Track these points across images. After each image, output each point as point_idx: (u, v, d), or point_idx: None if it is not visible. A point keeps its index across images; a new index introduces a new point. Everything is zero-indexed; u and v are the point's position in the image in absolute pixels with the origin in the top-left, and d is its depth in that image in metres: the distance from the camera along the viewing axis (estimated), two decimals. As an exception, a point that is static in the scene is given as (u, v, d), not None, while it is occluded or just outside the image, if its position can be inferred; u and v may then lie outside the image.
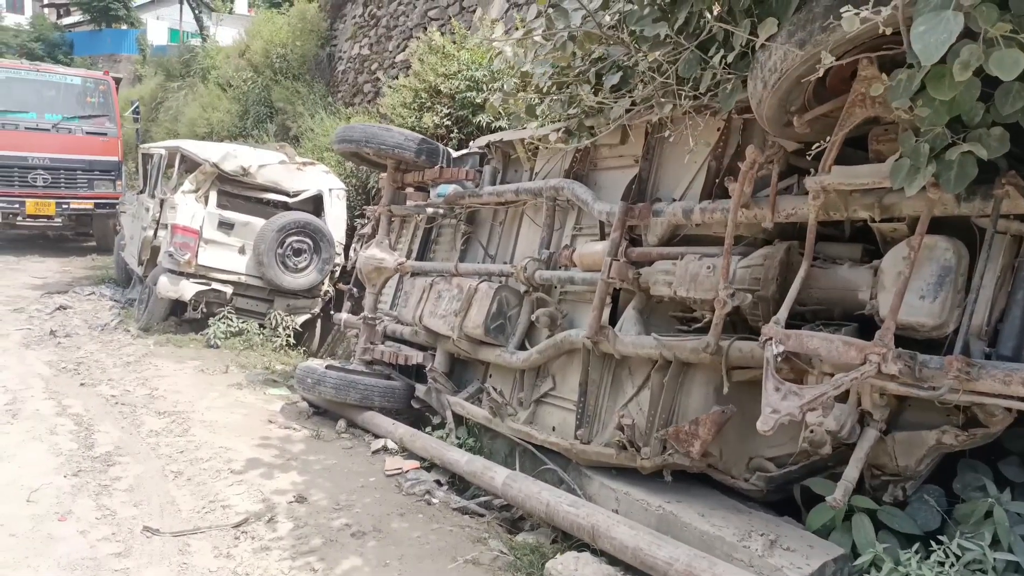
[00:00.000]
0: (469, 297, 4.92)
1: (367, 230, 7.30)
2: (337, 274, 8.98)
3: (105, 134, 14.12)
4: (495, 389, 4.58)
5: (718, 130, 3.80)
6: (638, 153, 4.38)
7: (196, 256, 8.01)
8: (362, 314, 5.99)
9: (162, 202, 8.65)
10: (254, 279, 8.39)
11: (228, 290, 8.25)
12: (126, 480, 4.44)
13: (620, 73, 4.11)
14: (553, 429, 4.41)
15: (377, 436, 5.41)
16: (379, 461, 4.97)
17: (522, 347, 4.76)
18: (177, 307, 8.51)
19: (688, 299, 3.60)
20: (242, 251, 8.35)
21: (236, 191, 8.69)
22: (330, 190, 8.96)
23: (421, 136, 5.72)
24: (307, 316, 8.77)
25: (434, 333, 5.35)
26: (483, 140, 5.68)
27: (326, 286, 8.82)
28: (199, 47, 22.09)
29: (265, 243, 8.09)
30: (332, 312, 9.19)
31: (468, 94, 7.61)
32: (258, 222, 8.37)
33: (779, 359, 2.96)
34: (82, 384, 6.30)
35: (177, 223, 7.97)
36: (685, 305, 3.80)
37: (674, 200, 3.94)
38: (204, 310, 8.25)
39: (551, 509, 3.74)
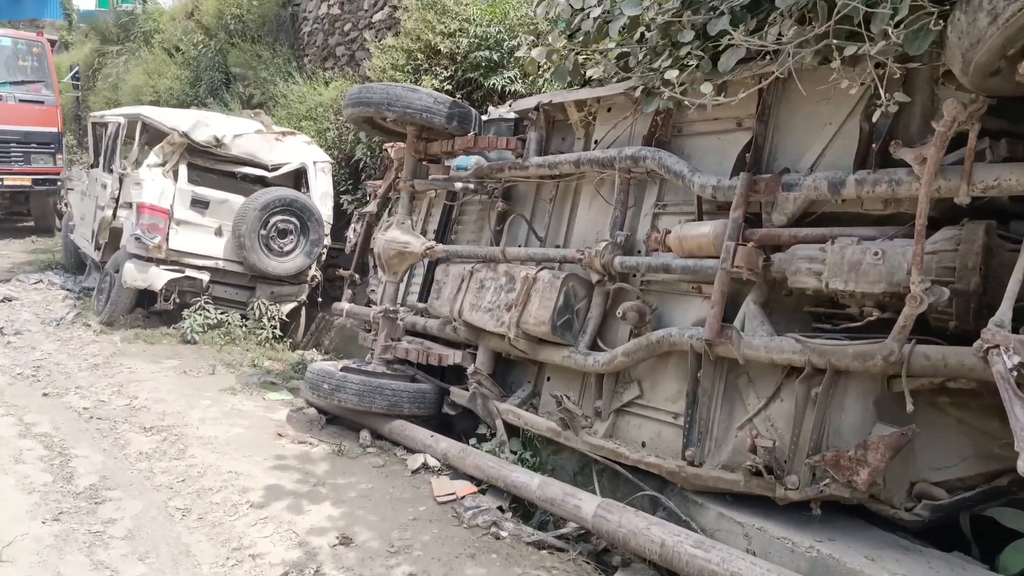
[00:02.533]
0: (527, 288, 4.17)
1: (371, 208, 6.45)
2: (324, 257, 8.08)
3: (42, 102, 12.72)
4: (567, 397, 3.86)
5: (861, 83, 3.10)
6: (741, 114, 3.67)
7: (167, 239, 7.02)
8: (382, 306, 5.17)
9: (122, 178, 7.58)
10: (233, 264, 7.44)
11: (204, 277, 7.29)
12: (122, 523, 3.58)
13: (727, 17, 3.39)
14: (643, 445, 3.73)
15: (411, 450, 4.65)
16: (423, 483, 4.21)
17: (593, 346, 4.05)
18: (144, 297, 7.50)
19: (845, 293, 2.93)
20: (219, 233, 7.38)
21: (207, 165, 7.68)
22: (314, 163, 8.03)
23: (452, 99, 4.89)
24: (293, 304, 7.86)
25: (476, 329, 4.59)
26: (527, 102, 4.88)
27: (313, 271, 7.92)
28: (139, 9, 20.35)
29: (246, 224, 7.14)
30: (319, 300, 8.36)
31: (479, 53, 6.77)
32: (237, 200, 7.40)
33: (1014, 374, 2.32)
34: (45, 394, 5.33)
35: (143, 202, 6.95)
36: (824, 298, 3.14)
37: (810, 171, 3.25)
38: (177, 300, 7.28)
39: (668, 551, 3.06)
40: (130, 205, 7.21)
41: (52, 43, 13.78)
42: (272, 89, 11.08)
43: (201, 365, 6.32)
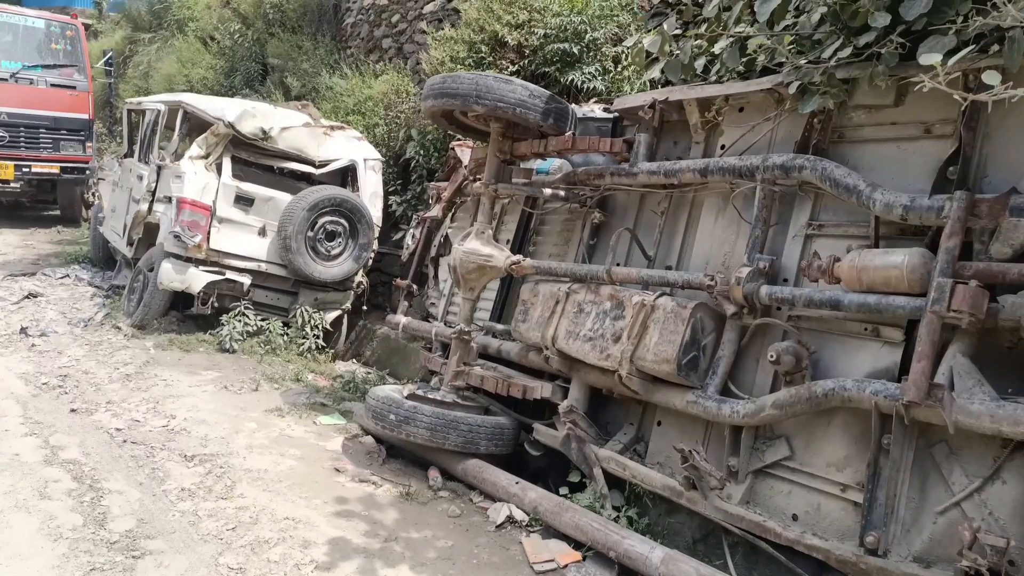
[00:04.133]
0: (643, 316, 3.53)
1: (434, 212, 5.83)
2: (370, 263, 7.46)
3: (74, 87, 12.21)
4: (697, 453, 3.21)
5: None
6: (930, 119, 3.02)
7: (208, 238, 6.44)
8: (455, 327, 4.55)
9: (160, 169, 7.02)
10: (276, 267, 6.85)
11: (245, 281, 6.70)
12: (165, 587, 2.98)
13: (928, -1, 2.77)
14: (794, 518, 3.07)
15: (489, 496, 4.03)
16: (511, 542, 3.58)
17: (724, 391, 3.40)
18: (178, 299, 6.93)
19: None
20: (262, 233, 6.79)
21: (251, 158, 7.10)
22: (364, 160, 7.42)
23: (549, 92, 4.27)
24: (337, 312, 7.26)
25: (571, 360, 3.96)
26: (634, 99, 4.25)
27: (359, 277, 7.31)
28: (171, -3, 19.91)
29: (293, 224, 6.54)
30: (364, 307, 7.77)
31: (557, 46, 6.14)
32: (283, 197, 6.81)
33: None
34: (73, 410, 4.75)
35: (184, 196, 6.37)
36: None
37: (1045, 193, 2.60)
38: (215, 304, 6.69)
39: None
40: (168, 199, 6.63)
41: (86, 27, 13.27)
42: (315, 81, 10.52)
43: (242, 379, 5.73)
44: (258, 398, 5.39)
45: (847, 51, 2.99)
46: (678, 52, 4.12)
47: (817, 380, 3.01)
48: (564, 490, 3.93)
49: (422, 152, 7.63)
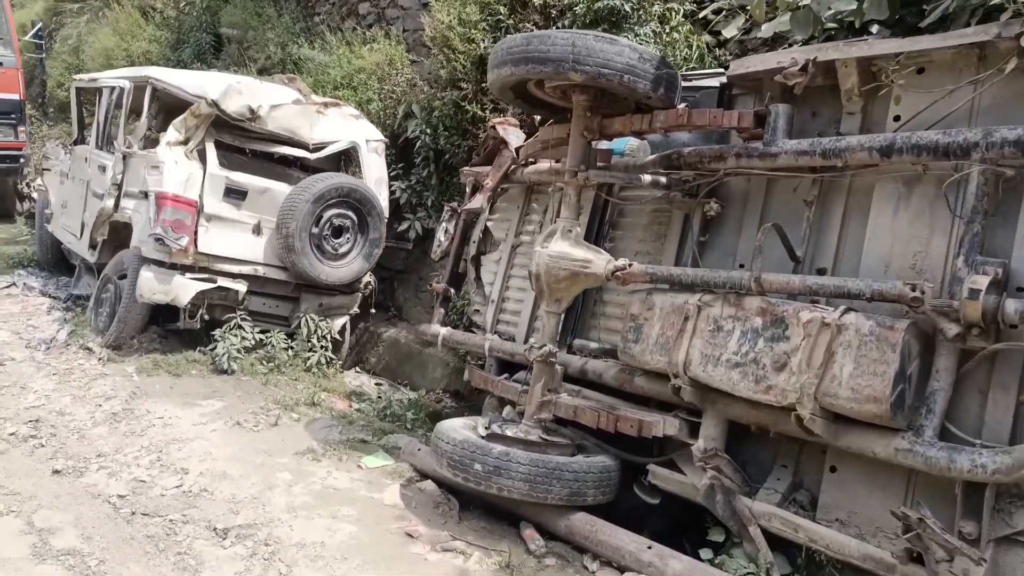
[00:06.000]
0: (828, 339, 2.77)
1: (476, 204, 4.93)
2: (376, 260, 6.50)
3: (0, 63, 10.73)
4: (928, 520, 2.48)
5: None
6: None
7: (195, 240, 5.41)
8: (539, 347, 3.70)
9: (126, 158, 5.91)
10: (275, 271, 5.87)
11: (241, 288, 5.69)
12: None
13: None
14: (1069, 602, 2.39)
15: (610, 564, 3.24)
16: (669, 633, 2.81)
17: (943, 434, 2.68)
18: (158, 312, 5.86)
19: None
20: (257, 231, 5.79)
21: (234, 142, 6.05)
22: (367, 142, 6.44)
23: (658, 55, 3.42)
24: (345, 318, 6.33)
25: (707, 389, 3.18)
26: (762, 60, 3.43)
27: (368, 277, 6.37)
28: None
29: (296, 219, 5.56)
30: (372, 310, 6.84)
31: (608, 2, 5.27)
32: (280, 188, 5.81)
33: None
34: (56, 471, 3.75)
35: (165, 191, 5.31)
36: None
37: None
38: (205, 317, 5.68)
39: None
40: (143, 195, 5.56)
41: (7, -5, 11.70)
42: (285, 52, 9.36)
43: (253, 409, 4.78)
44: (281, 435, 4.46)
45: None
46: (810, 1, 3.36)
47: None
48: (706, 553, 3.18)
49: (428, 131, 6.68)
